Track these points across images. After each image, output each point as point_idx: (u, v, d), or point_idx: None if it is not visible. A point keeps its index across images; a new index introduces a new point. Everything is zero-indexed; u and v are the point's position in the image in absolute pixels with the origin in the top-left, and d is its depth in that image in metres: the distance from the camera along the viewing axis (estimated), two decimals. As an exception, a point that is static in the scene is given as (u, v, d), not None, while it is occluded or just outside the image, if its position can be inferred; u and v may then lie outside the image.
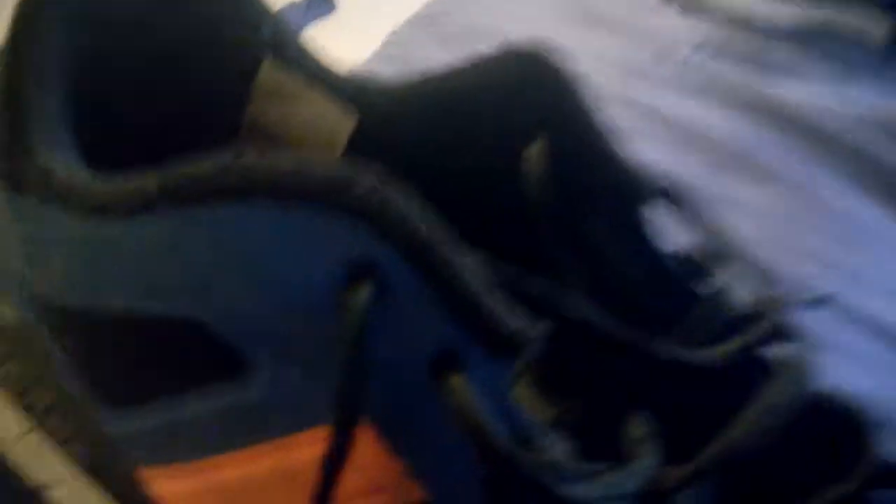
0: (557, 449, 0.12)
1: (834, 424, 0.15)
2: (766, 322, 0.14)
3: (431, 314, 0.11)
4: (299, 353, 0.12)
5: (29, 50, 0.13)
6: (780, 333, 0.14)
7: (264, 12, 0.17)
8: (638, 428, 0.13)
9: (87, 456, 0.16)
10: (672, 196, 0.15)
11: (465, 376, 0.11)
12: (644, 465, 0.12)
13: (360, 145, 0.17)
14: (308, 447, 0.12)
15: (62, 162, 0.13)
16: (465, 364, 0.11)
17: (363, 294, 0.11)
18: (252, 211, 0.11)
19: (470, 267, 0.11)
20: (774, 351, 0.14)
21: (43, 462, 0.18)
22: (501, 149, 0.15)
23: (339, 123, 0.18)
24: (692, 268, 0.15)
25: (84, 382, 0.15)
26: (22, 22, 0.13)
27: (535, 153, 0.15)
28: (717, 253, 0.15)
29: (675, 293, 0.15)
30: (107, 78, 0.15)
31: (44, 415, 0.17)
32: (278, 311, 0.11)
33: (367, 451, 0.12)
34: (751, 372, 0.13)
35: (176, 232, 0.11)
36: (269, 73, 0.17)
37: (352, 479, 0.12)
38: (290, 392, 0.12)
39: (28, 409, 0.17)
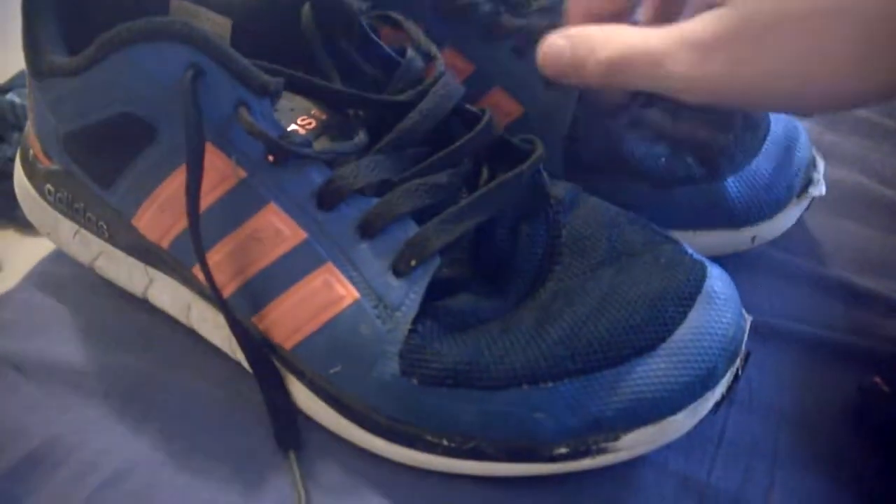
0: (300, 137, 0.24)
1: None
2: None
3: (226, 82, 0.23)
4: (175, 115, 0.24)
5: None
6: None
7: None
8: (358, 133, 0.25)
9: (107, 229, 0.29)
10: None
11: (246, 108, 0.23)
12: (356, 143, 0.24)
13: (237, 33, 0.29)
14: (181, 176, 0.24)
15: (56, 55, 0.26)
16: (247, 103, 0.23)
17: (190, 74, 0.23)
18: (146, 46, 0.23)
19: (242, 59, 0.23)
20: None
21: (88, 248, 0.31)
22: (291, 14, 0.27)
23: (223, 26, 0.30)
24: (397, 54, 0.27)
25: (90, 180, 0.28)
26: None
27: (305, 10, 0.27)
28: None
29: (387, 68, 0.26)
30: (86, 12, 0.27)
31: (82, 217, 0.30)
32: (165, 94, 0.24)
33: (215, 160, 0.24)
34: (419, 99, 0.25)
35: (112, 67, 0.24)
36: (175, 5, 0.30)
37: (210, 184, 0.24)
38: (174, 141, 0.24)
39: (74, 217, 0.30)
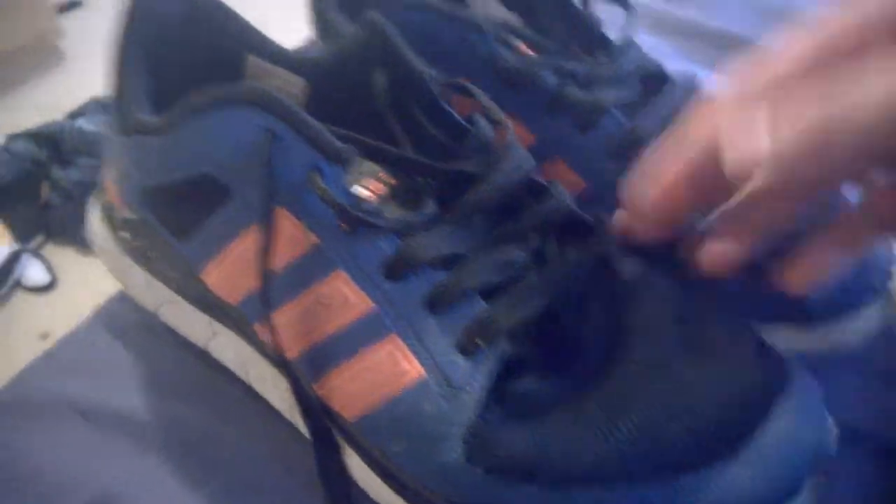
0: (371, 205, 0.23)
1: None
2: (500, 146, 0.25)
3: (300, 147, 0.23)
4: (249, 178, 0.24)
5: (125, 57, 0.26)
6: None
7: (244, 24, 0.30)
8: (427, 202, 0.24)
9: (177, 280, 0.30)
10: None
11: (319, 175, 0.23)
12: (426, 213, 0.24)
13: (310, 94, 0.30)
14: (252, 237, 0.24)
15: (142, 114, 0.26)
16: (320, 169, 0.23)
17: (267, 140, 0.23)
18: (225, 111, 0.24)
19: (316, 125, 0.23)
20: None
21: (155, 295, 0.31)
22: (362, 77, 0.27)
23: (297, 85, 0.30)
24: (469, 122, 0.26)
25: (166, 232, 0.28)
26: (117, 40, 0.27)
27: (376, 75, 0.27)
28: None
29: (456, 135, 0.26)
30: (168, 69, 0.28)
31: (154, 266, 0.30)
32: (240, 157, 0.24)
33: (287, 224, 0.24)
34: (489, 170, 0.25)
35: (193, 130, 0.24)
36: (252, 63, 0.30)
37: (281, 247, 0.24)
38: (246, 202, 0.24)
39: (146, 265, 0.31)
